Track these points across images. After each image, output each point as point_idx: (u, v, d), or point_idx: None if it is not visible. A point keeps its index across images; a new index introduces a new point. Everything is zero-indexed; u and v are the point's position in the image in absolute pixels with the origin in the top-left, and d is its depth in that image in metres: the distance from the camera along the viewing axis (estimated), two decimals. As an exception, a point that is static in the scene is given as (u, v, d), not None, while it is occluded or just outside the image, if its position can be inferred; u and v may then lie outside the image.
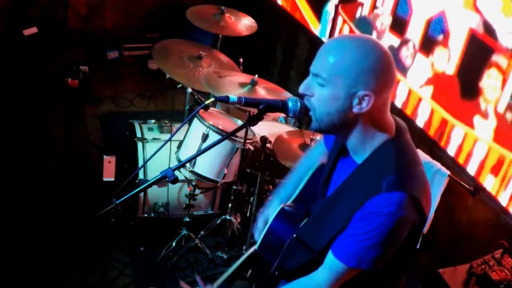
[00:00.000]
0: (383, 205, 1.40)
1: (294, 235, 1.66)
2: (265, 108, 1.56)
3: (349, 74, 1.41)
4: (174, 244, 3.21)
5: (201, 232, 3.26)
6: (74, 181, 3.73)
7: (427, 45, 3.12)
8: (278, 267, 1.71)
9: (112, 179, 3.49)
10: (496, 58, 2.64)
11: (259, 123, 1.62)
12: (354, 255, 1.45)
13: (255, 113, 1.57)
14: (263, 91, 2.97)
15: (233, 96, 1.56)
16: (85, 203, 3.42)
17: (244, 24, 3.80)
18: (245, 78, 3.04)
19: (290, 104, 1.55)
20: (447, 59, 2.97)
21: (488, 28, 2.67)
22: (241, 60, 3.80)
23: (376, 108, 1.45)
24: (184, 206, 3.26)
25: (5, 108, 4.30)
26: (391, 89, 1.48)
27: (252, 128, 3.22)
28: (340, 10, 4.00)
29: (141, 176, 3.27)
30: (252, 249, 1.84)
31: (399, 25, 3.36)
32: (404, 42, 3.30)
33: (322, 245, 1.54)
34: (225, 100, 1.56)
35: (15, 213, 3.33)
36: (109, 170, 3.49)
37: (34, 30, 4.86)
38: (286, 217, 1.74)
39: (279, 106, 1.57)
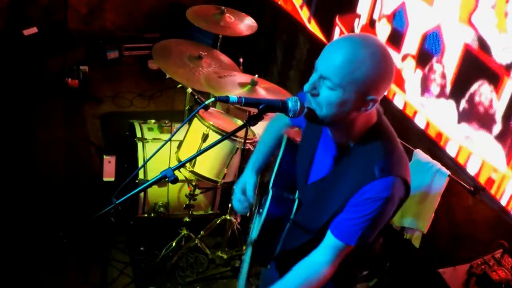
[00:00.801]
0: (379, 190, 1.52)
1: (291, 220, 1.77)
2: (265, 108, 1.57)
3: (363, 83, 1.45)
4: (174, 244, 3.21)
5: (201, 232, 3.27)
6: (74, 181, 3.74)
7: (423, 59, 3.10)
8: (281, 250, 1.80)
9: (112, 179, 3.50)
10: (490, 73, 2.62)
11: (259, 123, 1.62)
12: (355, 235, 1.59)
13: (255, 113, 1.58)
14: (263, 91, 2.97)
15: (233, 96, 1.56)
16: (85, 203, 3.42)
17: (244, 24, 3.79)
18: (245, 78, 3.03)
19: (290, 104, 1.55)
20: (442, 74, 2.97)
21: (483, 44, 2.66)
22: (241, 60, 3.79)
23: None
24: (184, 206, 3.26)
25: (5, 108, 4.31)
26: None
27: (252, 128, 3.22)
28: (337, 21, 3.99)
29: (141, 176, 3.27)
30: (251, 241, 1.87)
31: (395, 38, 3.33)
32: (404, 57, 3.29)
33: (319, 226, 1.66)
34: (225, 100, 1.56)
35: (15, 213, 3.34)
36: (109, 170, 3.49)
37: (34, 30, 4.87)
38: (279, 202, 1.83)
39: (279, 106, 1.57)
